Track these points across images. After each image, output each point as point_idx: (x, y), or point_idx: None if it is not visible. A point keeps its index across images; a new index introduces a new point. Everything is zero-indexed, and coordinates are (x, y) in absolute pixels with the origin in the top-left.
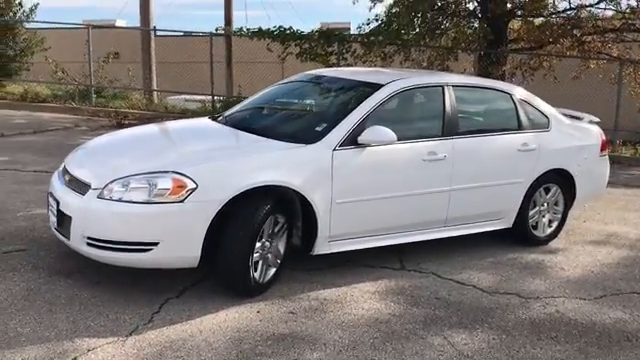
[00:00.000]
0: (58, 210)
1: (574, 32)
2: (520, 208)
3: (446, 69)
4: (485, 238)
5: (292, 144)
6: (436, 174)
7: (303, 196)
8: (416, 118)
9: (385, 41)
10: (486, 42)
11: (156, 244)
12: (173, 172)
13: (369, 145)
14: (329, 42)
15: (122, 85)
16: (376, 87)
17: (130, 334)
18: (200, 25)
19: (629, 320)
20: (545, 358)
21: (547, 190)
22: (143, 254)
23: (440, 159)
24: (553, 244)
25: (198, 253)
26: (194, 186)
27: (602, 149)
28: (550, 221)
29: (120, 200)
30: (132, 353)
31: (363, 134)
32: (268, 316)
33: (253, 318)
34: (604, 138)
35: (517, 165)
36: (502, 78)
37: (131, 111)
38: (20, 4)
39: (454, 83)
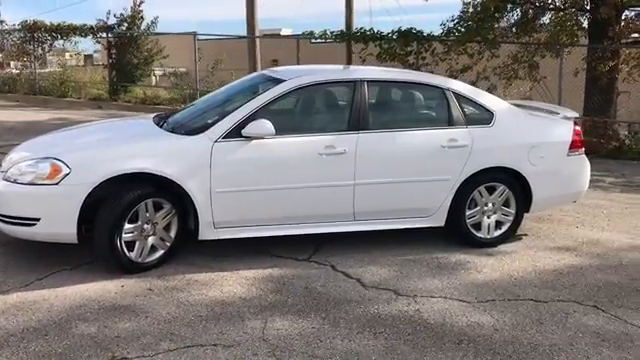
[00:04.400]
0: None
1: None
2: (451, 207)
3: (534, 66)
4: (429, 236)
5: (177, 135)
6: (335, 168)
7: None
8: (317, 113)
9: (464, 38)
10: (585, 36)
11: (38, 220)
12: (53, 158)
13: (257, 137)
14: (407, 42)
15: None
16: (278, 82)
17: None
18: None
19: (487, 325)
20: (342, 349)
21: (491, 189)
22: (29, 228)
23: (340, 153)
24: (502, 247)
25: (74, 230)
26: (68, 171)
27: (574, 147)
28: (499, 223)
29: (15, 181)
30: None
31: (247, 127)
32: (127, 290)
33: (112, 291)
34: (578, 136)
35: (441, 162)
36: (610, 74)
37: None
38: (142, 17)
39: (372, 79)
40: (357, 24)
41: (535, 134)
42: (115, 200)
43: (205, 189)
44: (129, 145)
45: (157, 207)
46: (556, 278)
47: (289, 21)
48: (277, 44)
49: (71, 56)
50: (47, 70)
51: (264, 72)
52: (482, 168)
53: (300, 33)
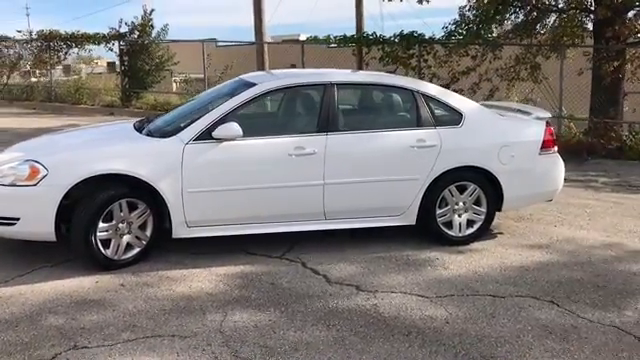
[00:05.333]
0: None
1: None
2: (421, 206)
3: (536, 67)
4: (405, 235)
5: (151, 138)
6: (305, 168)
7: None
8: (287, 115)
9: (465, 41)
10: (590, 37)
11: (18, 219)
12: (32, 161)
13: (226, 139)
14: (409, 45)
15: None
16: (249, 86)
17: None
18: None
19: (440, 318)
20: (292, 340)
21: (462, 188)
22: (10, 227)
23: (310, 154)
24: (475, 244)
25: (52, 229)
26: (45, 173)
27: (545, 146)
28: (471, 221)
29: None
30: None
31: (216, 130)
32: (100, 286)
33: (86, 287)
34: (550, 135)
35: (410, 162)
36: (614, 74)
37: None
38: (152, 25)
39: (341, 82)
40: (371, 28)
41: (505, 134)
42: (90, 200)
43: (177, 189)
44: (104, 148)
45: (132, 207)
46: (520, 274)
47: (311, 27)
48: (297, 49)
49: (86, 63)
50: (71, 78)
51: (242, 77)
52: (451, 167)
53: (305, 38)
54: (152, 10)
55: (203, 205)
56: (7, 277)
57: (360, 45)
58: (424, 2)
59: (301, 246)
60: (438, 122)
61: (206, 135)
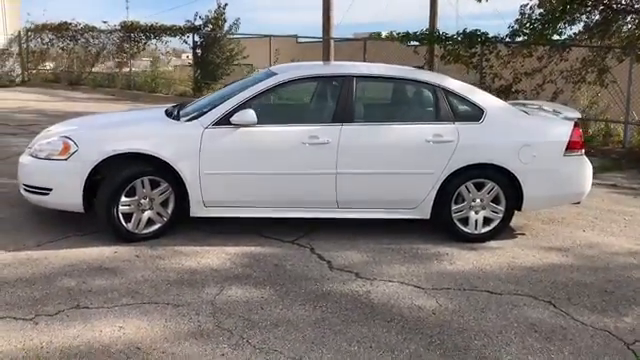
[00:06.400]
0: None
1: None
2: (436, 200)
3: (604, 70)
4: (422, 229)
5: (174, 121)
6: (318, 157)
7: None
8: (304, 105)
9: (528, 41)
10: None
11: (50, 190)
12: (64, 137)
13: (243, 125)
14: (471, 43)
15: None
16: (270, 75)
17: (12, 250)
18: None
19: (427, 309)
20: (276, 317)
21: (480, 185)
22: (44, 196)
23: (323, 143)
24: (492, 242)
25: (80, 201)
26: (76, 148)
27: (571, 147)
28: (488, 219)
29: (36, 157)
30: None
31: (234, 116)
32: (117, 255)
33: (105, 255)
34: (577, 137)
35: (425, 156)
36: None
37: None
38: (224, 19)
39: (362, 74)
40: (446, 29)
41: (528, 133)
42: (114, 175)
43: (195, 170)
44: (130, 128)
45: (154, 185)
46: (526, 274)
47: (390, 25)
48: (376, 46)
49: (176, 56)
50: (161, 69)
51: (270, 68)
52: (469, 164)
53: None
54: (225, 4)
55: (219, 187)
56: (39, 242)
57: (431, 43)
58: (483, 0)
59: (315, 233)
60: (457, 117)
61: (225, 121)
